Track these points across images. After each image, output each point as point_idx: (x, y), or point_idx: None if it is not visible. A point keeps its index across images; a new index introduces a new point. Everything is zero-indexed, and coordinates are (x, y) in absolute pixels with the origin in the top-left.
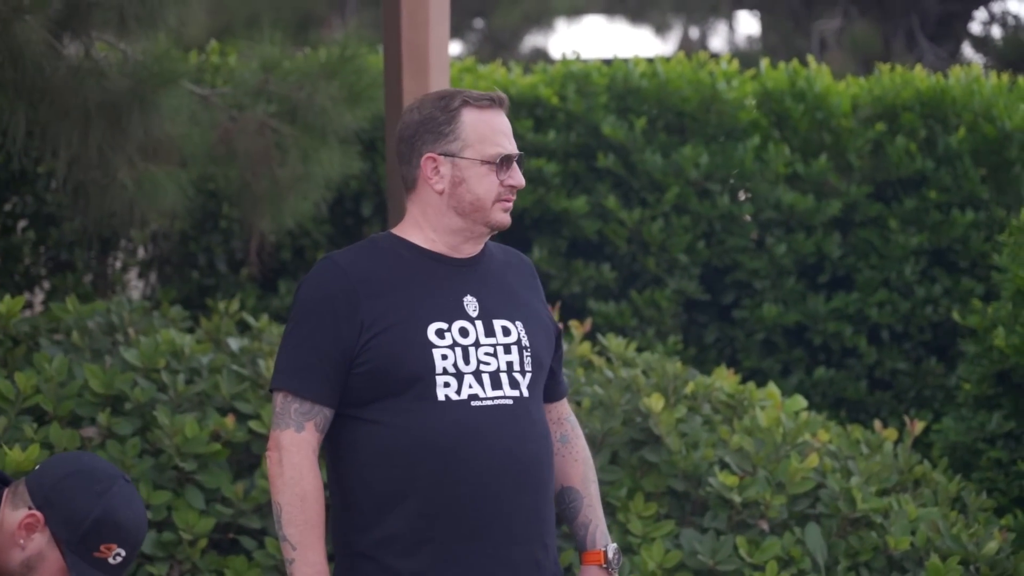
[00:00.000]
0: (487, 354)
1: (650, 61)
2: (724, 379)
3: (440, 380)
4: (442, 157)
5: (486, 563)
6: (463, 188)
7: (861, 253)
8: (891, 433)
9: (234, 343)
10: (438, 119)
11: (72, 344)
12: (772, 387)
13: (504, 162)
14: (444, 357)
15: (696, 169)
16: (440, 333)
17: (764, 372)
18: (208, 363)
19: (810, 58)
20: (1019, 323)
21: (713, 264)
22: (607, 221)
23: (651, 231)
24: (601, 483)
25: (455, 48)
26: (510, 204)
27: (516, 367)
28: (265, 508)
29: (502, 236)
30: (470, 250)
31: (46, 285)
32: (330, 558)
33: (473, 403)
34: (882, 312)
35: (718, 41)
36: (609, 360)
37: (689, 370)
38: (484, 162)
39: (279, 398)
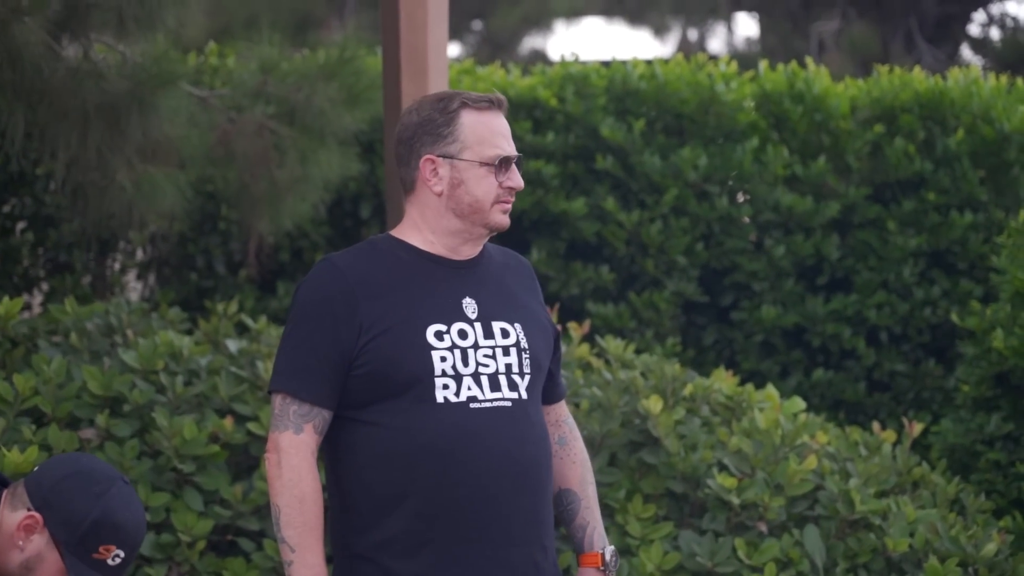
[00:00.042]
0: (486, 356)
1: (649, 63)
2: (723, 381)
3: (439, 382)
4: (441, 159)
5: (485, 565)
6: (462, 190)
7: (860, 255)
8: (890, 435)
9: (233, 345)
10: (437, 121)
11: (71, 346)
12: (771, 389)
13: (503, 164)
14: (443, 359)
15: (695, 171)
16: (439, 335)
17: (763, 374)
18: (207, 365)
19: (808, 60)
20: (1018, 325)
21: (712, 266)
22: (606, 223)
23: (650, 233)
24: (600, 485)
25: (454, 50)
26: (509, 206)
27: (515, 369)
28: (264, 510)
29: (501, 238)
30: (469, 252)
31: (45, 287)
32: (328, 560)
33: (472, 405)
34: (881, 314)
35: (717, 43)
36: (608, 362)
37: (688, 372)
38: (483, 164)
39: (278, 400)
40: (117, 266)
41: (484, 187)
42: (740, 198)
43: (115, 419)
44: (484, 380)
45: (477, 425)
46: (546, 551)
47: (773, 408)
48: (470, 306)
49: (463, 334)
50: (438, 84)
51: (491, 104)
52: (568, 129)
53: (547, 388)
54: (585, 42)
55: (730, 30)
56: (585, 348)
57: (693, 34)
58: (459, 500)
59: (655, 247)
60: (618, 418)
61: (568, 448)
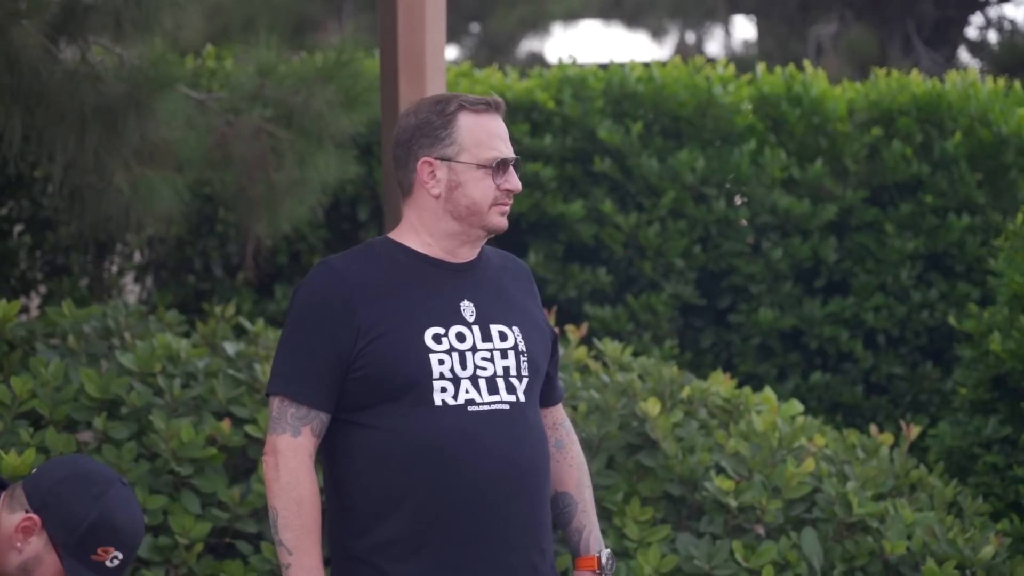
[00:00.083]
0: (484, 359)
1: (646, 66)
2: (720, 383)
3: (437, 385)
4: (438, 161)
5: (483, 568)
6: (459, 192)
7: (857, 258)
8: (887, 438)
9: (230, 347)
10: (434, 123)
11: (68, 348)
12: (768, 392)
13: (500, 166)
14: (441, 362)
15: (692, 174)
16: (437, 338)
17: (760, 377)
18: (204, 367)
19: (806, 63)
20: (1015, 328)
21: (709, 268)
22: (603, 225)
23: (647, 235)
24: (597, 487)
25: (451, 52)
26: (507, 208)
27: (513, 372)
28: (261, 512)
29: (498, 240)
30: (467, 254)
31: (42, 289)
32: (326, 562)
33: (470, 408)
34: (878, 317)
35: (714, 46)
36: (605, 364)
37: (685, 374)
38: (480, 166)
39: (276, 403)
40: (115, 269)
41: (482, 189)
42: (737, 201)
43: (112, 422)
44: (482, 383)
45: (475, 428)
46: (544, 554)
47: (771, 411)
48: (468, 309)
49: (461, 337)
50: (436, 87)
51: (488, 106)
52: (566, 132)
53: (544, 391)
54: (583, 45)
55: (728, 33)
56: (583, 351)
57: (691, 37)
58: (457, 503)
59: (653, 250)
60: (616, 421)
61: (565, 451)
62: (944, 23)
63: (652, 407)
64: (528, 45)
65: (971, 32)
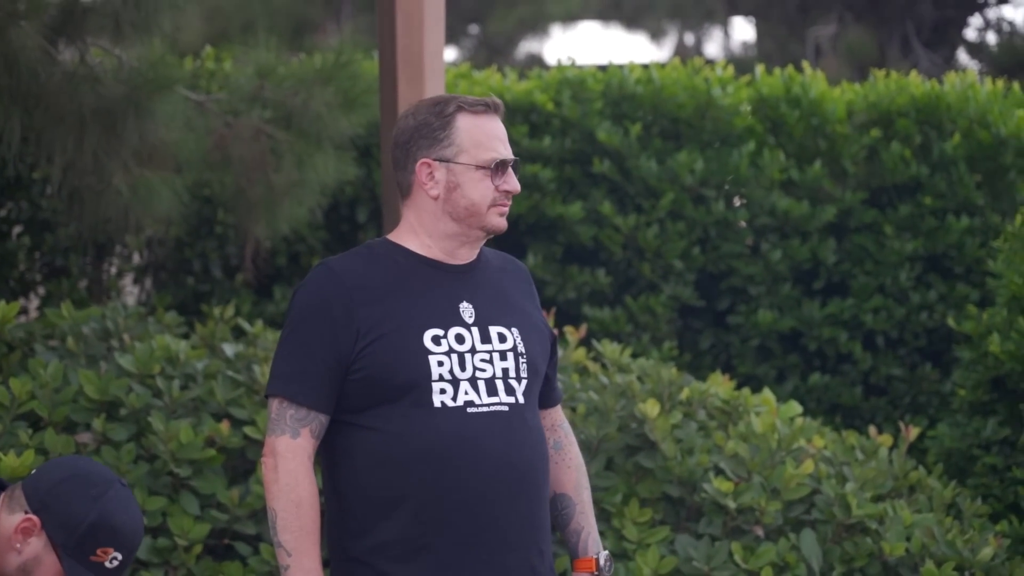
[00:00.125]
0: (483, 360)
1: (645, 67)
2: (719, 385)
3: (436, 387)
4: (437, 163)
5: (481, 569)
6: (458, 193)
7: (856, 259)
8: (886, 439)
9: (229, 349)
10: (433, 125)
11: (67, 350)
12: (767, 393)
13: (499, 167)
14: (440, 364)
15: (691, 175)
16: (436, 340)
17: (759, 378)
18: (203, 369)
19: (805, 64)
20: (1014, 329)
21: (708, 270)
22: (602, 227)
23: (646, 237)
24: (596, 489)
25: (450, 54)
26: (506, 209)
27: (512, 373)
28: (260, 514)
29: (497, 242)
30: (466, 255)
31: (41, 291)
32: (325, 564)
33: (469, 410)
34: (877, 318)
35: (713, 47)
36: (604, 366)
37: (684, 376)
38: (479, 167)
39: (275, 404)
40: (114, 270)
41: (480, 190)
42: (736, 202)
43: (111, 423)
44: (481, 384)
45: (474, 429)
46: (543, 555)
47: (770, 412)
48: (467, 310)
49: (460, 338)
50: (434, 88)
51: (487, 108)
52: (564, 133)
53: (543, 393)
54: (582, 46)
55: (727, 34)
56: (582, 352)
57: (690, 38)
58: (456, 504)
59: (651, 251)
60: (615, 422)
61: (563, 453)
62: (943, 24)
63: (651, 408)
64: (527, 47)
65: (970, 33)
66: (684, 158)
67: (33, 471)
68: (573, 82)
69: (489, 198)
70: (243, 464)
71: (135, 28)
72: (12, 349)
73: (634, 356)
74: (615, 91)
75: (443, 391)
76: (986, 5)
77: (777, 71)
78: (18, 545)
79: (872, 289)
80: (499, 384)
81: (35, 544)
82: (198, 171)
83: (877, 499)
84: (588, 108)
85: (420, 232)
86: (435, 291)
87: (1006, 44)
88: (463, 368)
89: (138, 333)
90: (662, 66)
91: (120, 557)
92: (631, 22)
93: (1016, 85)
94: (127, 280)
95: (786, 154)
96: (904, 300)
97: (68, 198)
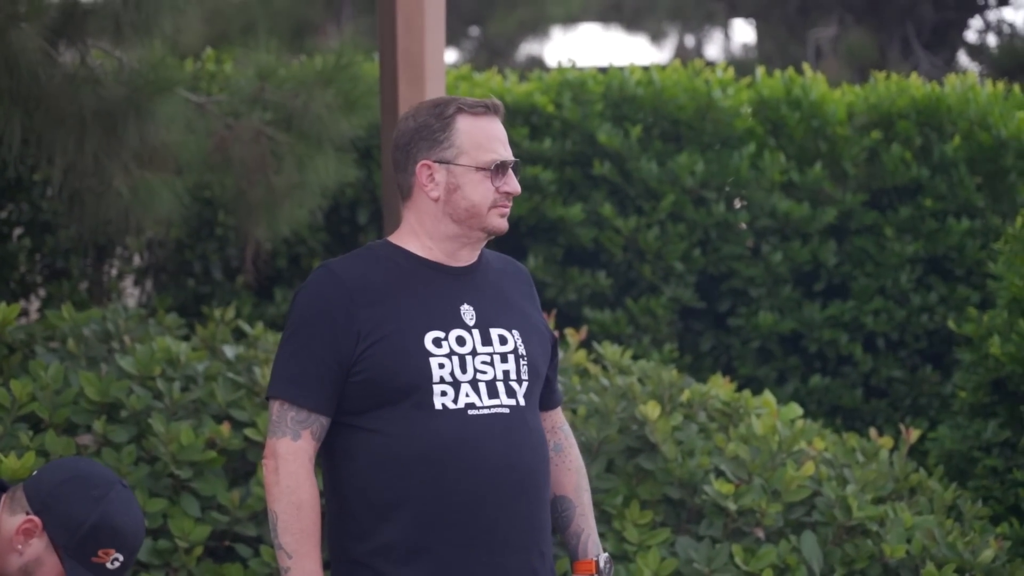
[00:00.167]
0: (484, 363)
1: (646, 69)
2: (720, 387)
3: (437, 389)
4: (437, 164)
5: (482, 571)
6: (458, 195)
7: (857, 261)
8: (887, 441)
9: (230, 351)
10: (433, 126)
11: (68, 352)
12: (768, 395)
13: (499, 168)
14: (441, 366)
15: (692, 177)
16: (437, 342)
17: (760, 380)
18: (204, 371)
19: (806, 66)
20: (1015, 331)
21: (709, 272)
22: (603, 229)
23: (647, 239)
24: (597, 491)
25: (451, 56)
26: (507, 210)
27: (513, 376)
28: (261, 516)
29: (497, 243)
30: (467, 257)
31: (42, 293)
32: (326, 566)
33: (470, 412)
34: (878, 320)
35: (714, 49)
36: (605, 368)
37: (685, 378)
38: (479, 169)
39: (275, 406)
40: (114, 272)
41: (481, 192)
42: (737, 204)
43: (112, 425)
44: (482, 387)
45: (475, 432)
46: (544, 557)
47: (770, 414)
48: (468, 313)
49: (461, 341)
50: (435, 90)
51: (487, 109)
52: (565, 135)
53: (544, 395)
54: (582, 48)
55: (727, 36)
56: (582, 354)
57: (690, 40)
58: (457, 507)
59: (652, 253)
60: (615, 424)
61: (564, 455)
62: (943, 26)
63: (651, 410)
64: (527, 48)
65: (970, 35)
66: (685, 160)
67: (34, 472)
68: (574, 84)
69: (489, 199)
70: (244, 466)
71: (136, 30)
72: (13, 351)
73: (635, 358)
74: (615, 93)
75: (444, 393)
76: (986, 7)
77: (778, 73)
78: (20, 546)
79: (873, 291)
80: (500, 386)
81: (37, 545)
82: (199, 173)
83: (878, 501)
84: (589, 110)
85: (421, 234)
86: (436, 293)
87: (1006, 46)
88: (464, 370)
89: (139, 335)
90: (663, 68)
91: (121, 558)
92: (631, 24)
93: (1016, 87)
94: (128, 282)
95: (787, 156)
96: (905, 302)
97: (69, 200)
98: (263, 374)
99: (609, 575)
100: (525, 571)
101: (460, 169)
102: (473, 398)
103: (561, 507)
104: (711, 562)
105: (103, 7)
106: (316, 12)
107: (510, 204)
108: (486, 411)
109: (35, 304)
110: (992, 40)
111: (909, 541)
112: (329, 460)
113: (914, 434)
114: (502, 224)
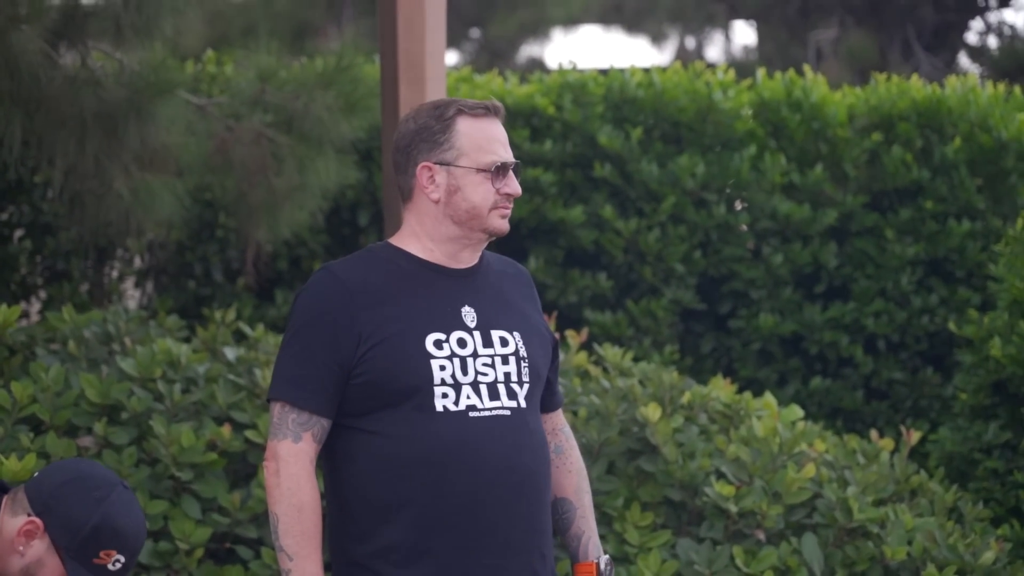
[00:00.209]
0: (485, 365)
1: (646, 71)
2: (720, 389)
3: (438, 391)
4: (437, 166)
5: (482, 573)
6: (459, 196)
7: (857, 263)
8: (887, 443)
9: (230, 353)
10: (433, 128)
11: (68, 354)
12: (768, 397)
13: (500, 170)
14: (442, 368)
15: (692, 179)
16: (438, 344)
17: (760, 382)
18: (204, 373)
19: (806, 68)
20: (1015, 333)
21: (709, 274)
22: (603, 231)
23: (647, 241)
24: (597, 493)
25: (451, 58)
26: (507, 211)
27: (514, 378)
28: (262, 518)
29: (498, 245)
30: (468, 259)
31: (42, 295)
32: (327, 568)
33: (471, 414)
34: (878, 322)
35: (714, 51)
36: (605, 370)
37: (685, 380)
38: (479, 170)
39: (276, 408)
40: (115, 274)
41: (481, 193)
42: (738, 206)
43: (113, 427)
44: (483, 389)
45: (476, 434)
46: (544, 559)
47: (771, 416)
48: (469, 315)
49: (462, 343)
50: (436, 92)
51: (488, 111)
52: (566, 137)
53: (544, 397)
54: (583, 50)
55: (728, 38)
56: (583, 356)
57: (691, 42)
58: (457, 509)
59: (653, 255)
60: (616, 426)
61: (564, 457)
62: (944, 28)
63: (652, 412)
64: (528, 50)
65: (971, 37)
66: (685, 162)
67: (35, 474)
68: (574, 86)
69: (490, 201)
70: (244, 468)
71: (136, 32)
72: (13, 353)
73: (635, 360)
74: (616, 95)
75: (445, 395)
76: (987, 9)
77: (778, 75)
78: (21, 548)
79: (873, 293)
80: (501, 388)
81: (38, 547)
82: (199, 175)
83: (878, 503)
84: (589, 112)
85: (422, 236)
86: (437, 295)
87: (1007, 48)
88: (465, 372)
89: (139, 337)
90: (663, 70)
91: (123, 560)
92: (632, 26)
93: (1017, 89)
94: (128, 284)
95: (787, 158)
96: (905, 304)
97: (69, 202)
98: (264, 376)
99: None
100: (526, 573)
101: (460, 171)
102: (474, 400)
103: (562, 509)
104: (712, 564)
105: (104, 9)
106: (317, 14)
107: (511, 206)
108: (487, 413)
109: (36, 306)
110: (993, 42)
111: (910, 543)
112: (330, 462)
113: (915, 436)
114: (503, 226)
